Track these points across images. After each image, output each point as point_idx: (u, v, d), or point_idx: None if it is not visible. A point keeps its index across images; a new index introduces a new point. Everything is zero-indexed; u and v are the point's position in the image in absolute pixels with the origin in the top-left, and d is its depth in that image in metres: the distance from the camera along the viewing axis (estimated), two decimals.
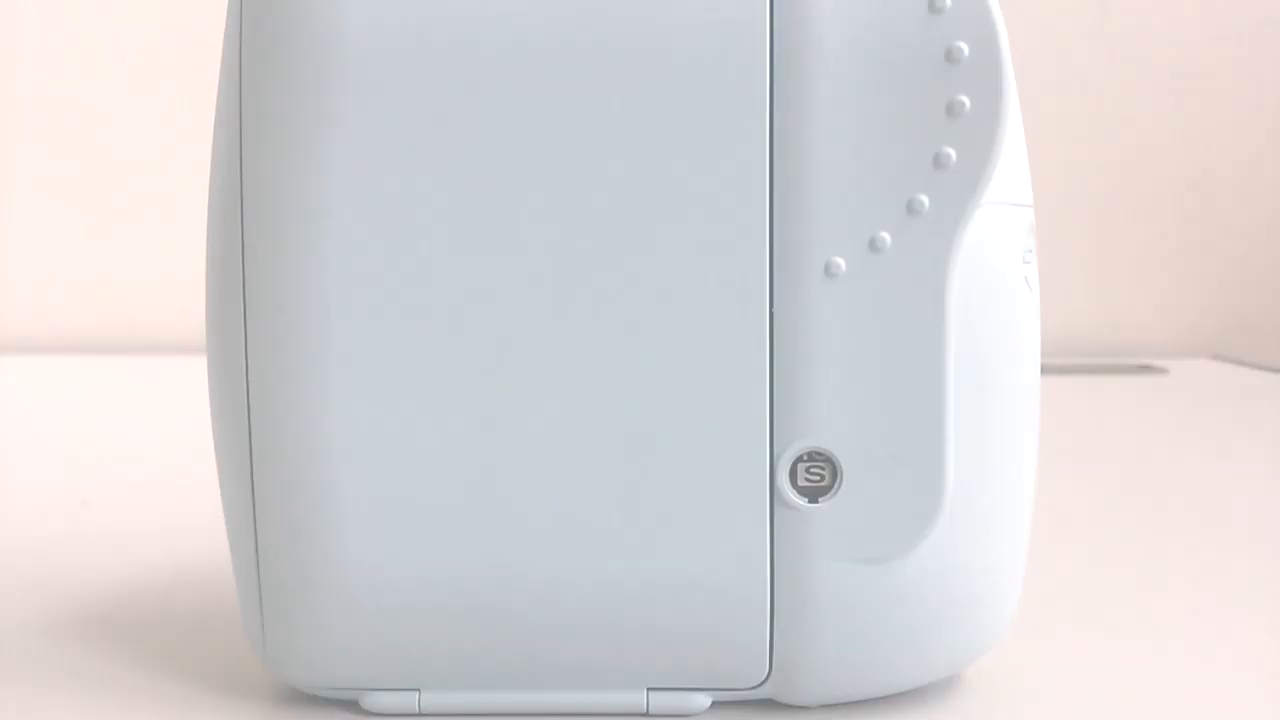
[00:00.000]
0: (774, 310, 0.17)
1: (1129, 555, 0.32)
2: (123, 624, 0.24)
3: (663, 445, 0.17)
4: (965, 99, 0.17)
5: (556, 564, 0.18)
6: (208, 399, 0.19)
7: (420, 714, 0.19)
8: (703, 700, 0.18)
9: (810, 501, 0.17)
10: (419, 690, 0.18)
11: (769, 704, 0.19)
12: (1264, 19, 0.79)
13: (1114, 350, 0.79)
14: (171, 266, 0.78)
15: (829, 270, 0.17)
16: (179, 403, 0.43)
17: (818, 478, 0.17)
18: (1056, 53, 0.78)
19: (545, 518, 0.18)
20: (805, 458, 0.17)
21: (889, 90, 0.17)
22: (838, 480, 0.17)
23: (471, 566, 0.18)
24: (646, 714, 0.18)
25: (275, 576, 0.18)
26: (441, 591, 0.18)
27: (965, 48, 0.17)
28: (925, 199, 0.17)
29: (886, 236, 0.17)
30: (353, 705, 0.19)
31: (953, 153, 0.17)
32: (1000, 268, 0.18)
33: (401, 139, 0.17)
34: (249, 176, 0.18)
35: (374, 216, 0.17)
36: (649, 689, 0.18)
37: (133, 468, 0.43)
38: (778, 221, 0.17)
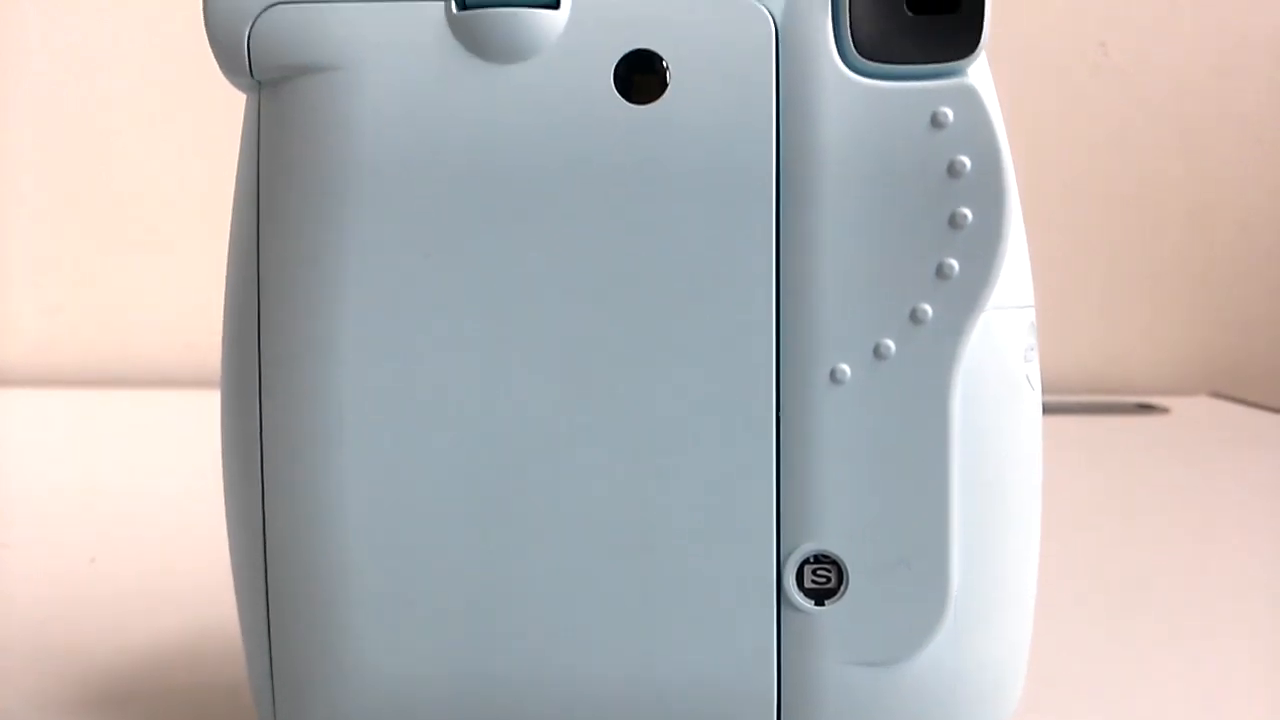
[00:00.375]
0: (781, 415, 0.18)
1: (1132, 615, 0.32)
2: (131, 698, 0.24)
3: (672, 547, 0.18)
4: (968, 211, 0.17)
5: (565, 664, 0.18)
6: (223, 494, 0.19)
7: None
8: None
9: (816, 603, 0.18)
10: None
11: None
12: (1265, 54, 0.80)
13: (1112, 386, 0.79)
14: (179, 300, 0.79)
15: (835, 377, 0.17)
16: (186, 439, 0.43)
17: (824, 579, 0.18)
18: (1055, 89, 0.79)
19: (555, 619, 0.18)
20: (812, 560, 0.18)
21: (892, 203, 0.17)
22: (844, 583, 0.18)
23: (480, 664, 0.18)
24: None
25: (288, 668, 0.19)
26: (451, 688, 0.18)
27: (967, 162, 0.17)
28: (929, 308, 0.17)
29: (891, 344, 0.17)
30: None
31: (955, 264, 0.17)
32: (1002, 370, 0.18)
33: (415, 248, 0.18)
34: (265, 283, 0.18)
35: (390, 323, 0.18)
36: None
37: (141, 514, 0.43)
38: (784, 329, 0.17)
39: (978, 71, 0.18)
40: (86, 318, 0.80)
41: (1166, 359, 0.81)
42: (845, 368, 0.17)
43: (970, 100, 0.17)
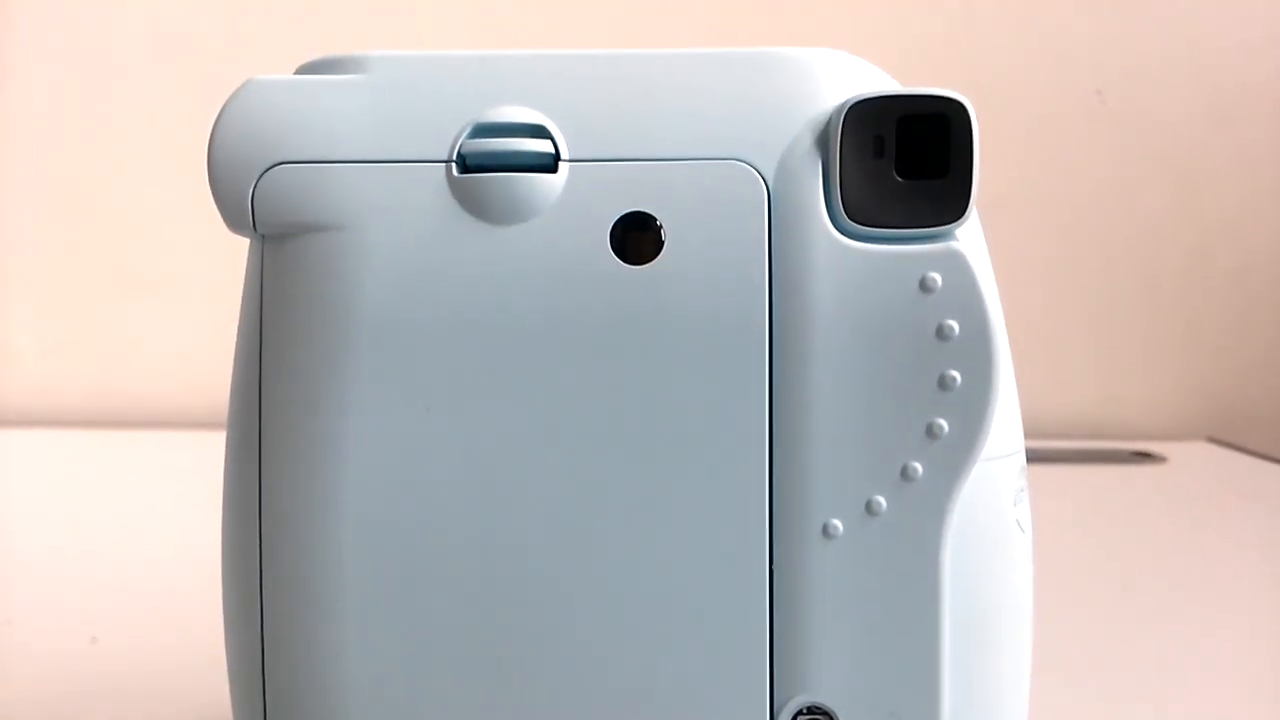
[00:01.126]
0: (774, 569, 0.18)
1: (1130, 689, 0.32)
2: None
3: (667, 700, 0.18)
4: (956, 374, 0.17)
5: None
6: (223, 636, 0.20)
7: None
8: None
9: None
10: None
11: None
12: (1262, 100, 0.80)
13: (1108, 430, 0.79)
14: (180, 340, 0.79)
15: (826, 532, 0.18)
16: (187, 483, 0.43)
17: None
18: (1052, 136, 0.80)
19: None
20: (805, 711, 0.18)
21: (882, 364, 0.18)
22: None
23: None
24: None
25: None
26: None
27: (956, 326, 0.17)
28: (919, 466, 0.18)
29: (882, 500, 0.18)
30: None
31: (945, 424, 0.18)
32: (992, 518, 0.19)
33: (415, 404, 0.18)
34: (267, 432, 0.18)
35: (390, 478, 0.18)
36: None
37: (143, 581, 0.43)
38: (777, 485, 0.18)
39: (967, 233, 0.18)
40: (87, 357, 0.81)
41: (1163, 403, 0.81)
42: (837, 523, 0.18)
43: (958, 266, 0.17)
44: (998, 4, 0.80)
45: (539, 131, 0.18)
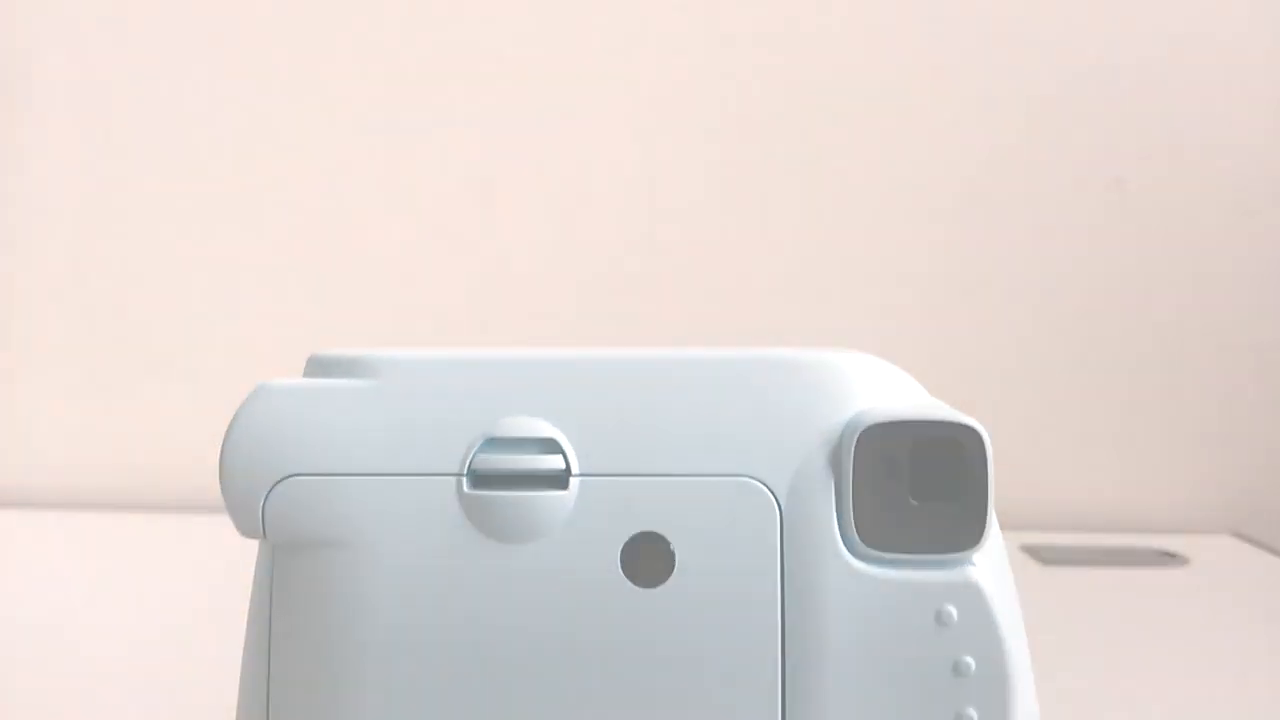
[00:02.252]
0: None
1: None
2: None
3: None
4: (973, 712, 0.17)
5: None
6: None
7: None
8: None
9: None
10: None
11: None
12: None
13: (1131, 524, 0.78)
14: (203, 425, 0.79)
15: None
16: (206, 568, 0.41)
17: None
18: (1072, 223, 0.79)
19: None
20: None
21: (897, 699, 0.17)
22: None
23: None
24: None
25: None
26: None
27: (972, 663, 0.17)
28: None
29: None
30: None
31: None
32: None
33: (420, 709, 0.18)
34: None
35: None
36: None
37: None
38: None
39: (986, 555, 0.18)
40: (109, 440, 0.81)
41: (1187, 497, 0.80)
42: None
43: (975, 599, 0.17)
44: (1015, 88, 0.79)
45: (550, 446, 0.18)
